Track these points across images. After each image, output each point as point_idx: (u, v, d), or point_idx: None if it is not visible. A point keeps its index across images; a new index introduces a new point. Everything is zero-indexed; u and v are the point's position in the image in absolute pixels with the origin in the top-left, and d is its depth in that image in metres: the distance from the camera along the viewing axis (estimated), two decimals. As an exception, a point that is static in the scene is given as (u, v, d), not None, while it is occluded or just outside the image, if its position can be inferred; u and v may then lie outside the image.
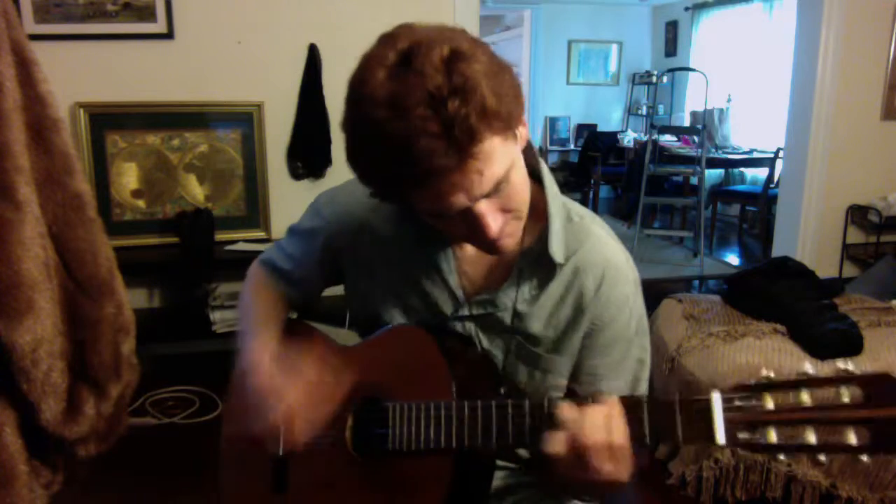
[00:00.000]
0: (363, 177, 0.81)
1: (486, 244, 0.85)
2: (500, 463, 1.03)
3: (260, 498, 1.04)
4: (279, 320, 1.10)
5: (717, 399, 0.71)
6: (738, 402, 0.70)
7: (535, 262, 0.95)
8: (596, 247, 0.95)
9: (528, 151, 0.91)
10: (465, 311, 0.98)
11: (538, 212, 0.93)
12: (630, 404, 0.76)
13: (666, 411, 0.74)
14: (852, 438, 0.65)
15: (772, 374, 0.70)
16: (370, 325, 1.03)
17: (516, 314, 0.95)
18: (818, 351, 2.12)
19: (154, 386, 2.79)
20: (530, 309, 0.95)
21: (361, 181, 0.82)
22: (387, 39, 0.77)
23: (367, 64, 0.75)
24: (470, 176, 0.75)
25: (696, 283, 4.66)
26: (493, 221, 0.80)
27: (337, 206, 1.05)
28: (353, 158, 0.79)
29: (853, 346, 2.13)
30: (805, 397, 0.68)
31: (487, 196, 0.79)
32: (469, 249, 0.97)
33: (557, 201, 0.95)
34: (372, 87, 0.73)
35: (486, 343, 0.98)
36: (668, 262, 5.04)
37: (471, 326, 0.98)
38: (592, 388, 0.96)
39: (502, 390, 0.98)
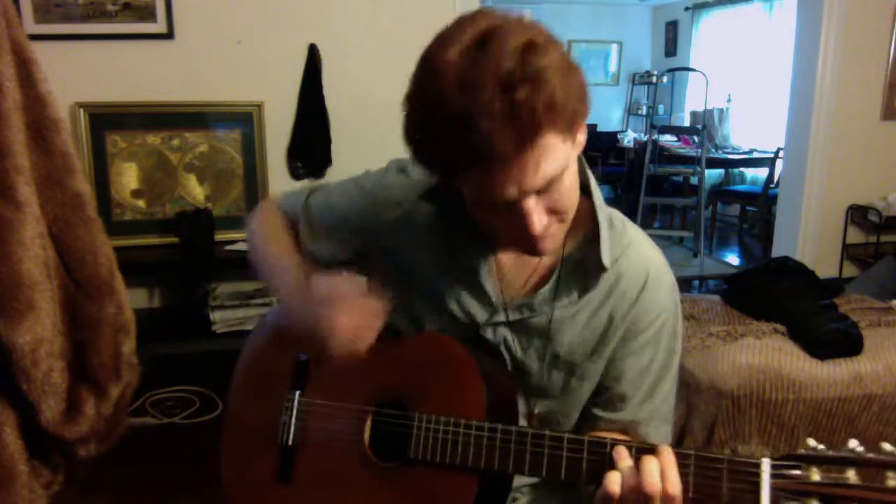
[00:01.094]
0: (418, 152, 0.79)
1: (527, 243, 0.84)
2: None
3: (261, 486, 1.02)
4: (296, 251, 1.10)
5: (766, 466, 0.73)
6: (785, 471, 0.72)
7: (576, 268, 0.95)
8: (639, 253, 0.96)
9: (578, 160, 0.91)
10: (500, 317, 0.97)
11: (580, 219, 0.93)
12: (680, 457, 0.77)
13: (713, 470, 0.75)
14: None
15: (820, 446, 0.72)
16: (399, 322, 1.03)
17: (554, 320, 0.95)
18: (818, 351, 2.12)
19: (154, 386, 2.79)
20: (569, 315, 0.95)
21: (415, 158, 0.80)
22: (465, 20, 0.76)
23: (442, 41, 0.75)
24: (525, 167, 0.74)
25: (696, 283, 4.66)
26: (539, 220, 0.80)
27: (384, 192, 1.02)
28: (412, 132, 0.78)
29: (853, 346, 2.13)
30: (851, 475, 0.70)
31: (538, 193, 0.78)
32: (508, 256, 0.96)
33: (604, 211, 0.95)
34: (445, 61, 0.72)
35: (519, 351, 0.97)
36: (668, 262, 5.04)
37: (505, 332, 0.97)
38: (616, 388, 0.97)
39: (522, 411, 0.98)
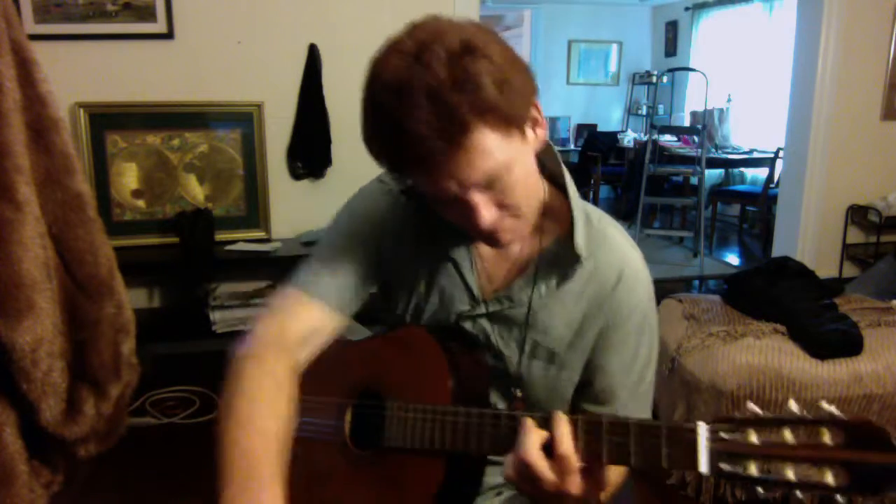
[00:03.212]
0: (371, 153, 0.85)
1: (482, 235, 0.88)
2: (493, 459, 1.04)
3: None
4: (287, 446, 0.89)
5: (702, 430, 0.74)
6: (722, 434, 0.73)
7: (553, 262, 0.97)
8: (614, 249, 0.98)
9: (550, 158, 0.95)
10: (481, 309, 1.00)
11: (557, 215, 0.97)
12: (619, 426, 0.78)
13: (652, 437, 0.76)
14: (830, 479, 0.67)
15: (758, 410, 0.72)
16: (387, 320, 1.07)
17: (532, 310, 0.98)
18: (818, 351, 2.12)
19: (154, 386, 2.78)
20: (547, 306, 0.98)
21: (372, 157, 0.85)
22: (410, 28, 0.81)
23: (388, 48, 0.80)
24: (459, 165, 0.78)
25: (696, 283, 4.66)
26: (486, 213, 0.83)
27: (364, 208, 1.05)
28: (364, 135, 0.84)
29: (853, 346, 2.13)
30: (787, 435, 0.70)
31: (482, 188, 0.82)
32: (488, 249, 1.00)
33: (579, 205, 0.97)
34: (384, 70, 0.78)
35: (499, 342, 1.00)
36: (668, 262, 5.04)
37: (485, 323, 1.00)
38: (602, 385, 1.00)
39: (492, 396, 1.00)
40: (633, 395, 1.00)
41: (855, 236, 4.07)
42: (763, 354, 2.12)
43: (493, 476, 1.03)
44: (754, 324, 2.27)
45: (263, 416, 0.86)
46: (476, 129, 0.76)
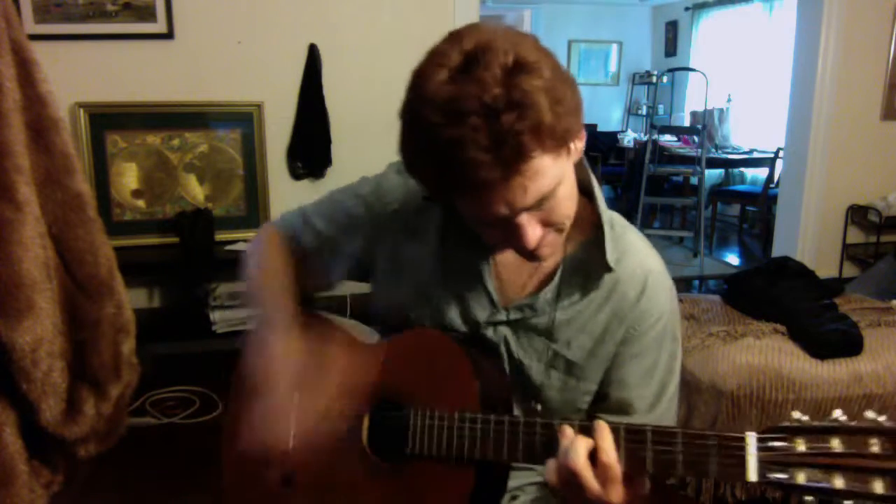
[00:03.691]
0: (410, 171, 0.81)
1: (524, 253, 0.86)
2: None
3: (265, 493, 1.02)
4: (295, 294, 1.08)
5: (752, 438, 0.73)
6: (771, 443, 0.73)
7: (578, 269, 0.95)
8: (637, 257, 0.96)
9: (578, 164, 0.91)
10: (500, 317, 0.97)
11: (583, 222, 0.93)
12: (667, 435, 0.78)
13: (700, 447, 0.76)
14: (879, 488, 0.67)
15: (805, 418, 0.72)
16: (395, 324, 1.03)
17: (554, 320, 0.95)
18: (818, 351, 2.12)
19: (154, 386, 2.78)
20: (569, 315, 0.96)
21: (408, 174, 0.82)
22: (453, 37, 0.76)
23: (431, 60, 0.75)
24: (514, 190, 0.75)
25: (696, 283, 4.66)
26: (532, 233, 0.81)
27: (382, 197, 1.03)
28: (404, 152, 0.80)
29: (853, 346, 2.13)
30: (835, 443, 0.70)
31: (529, 209, 0.79)
32: (509, 255, 0.97)
33: (606, 213, 0.95)
34: (431, 86, 0.73)
35: (517, 351, 0.98)
36: (668, 262, 4.93)
37: (504, 331, 0.98)
38: (621, 394, 0.97)
39: (521, 404, 0.98)
40: (652, 406, 0.97)
41: (855, 236, 4.07)
42: (763, 354, 2.12)
43: (511, 480, 1.02)
44: (754, 324, 2.27)
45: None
46: (533, 154, 0.73)
